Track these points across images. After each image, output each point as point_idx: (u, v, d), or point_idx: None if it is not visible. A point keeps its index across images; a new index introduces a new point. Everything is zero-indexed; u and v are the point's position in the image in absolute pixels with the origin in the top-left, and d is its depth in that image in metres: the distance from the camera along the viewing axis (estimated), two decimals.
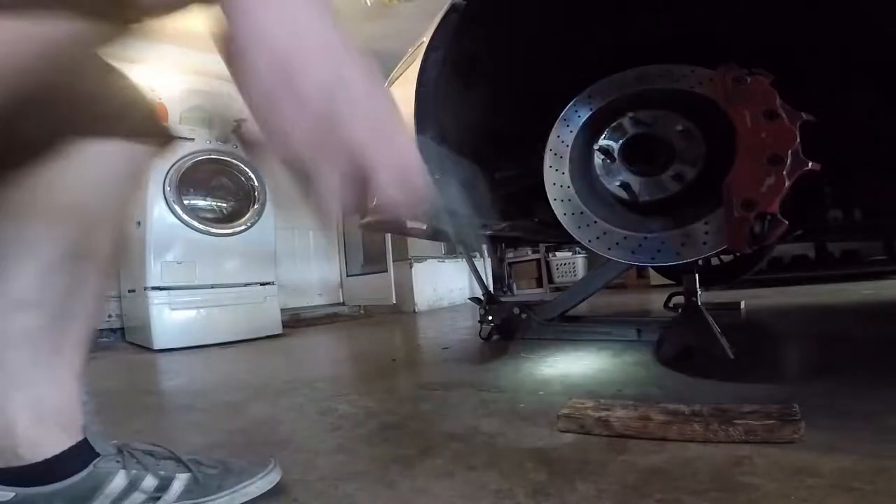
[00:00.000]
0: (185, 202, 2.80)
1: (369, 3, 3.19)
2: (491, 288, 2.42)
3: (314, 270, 4.44)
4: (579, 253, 4.80)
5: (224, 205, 3.05)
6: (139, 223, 2.69)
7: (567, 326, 1.82)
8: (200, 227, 2.81)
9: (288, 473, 0.75)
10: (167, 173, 2.70)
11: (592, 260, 4.43)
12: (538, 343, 1.77)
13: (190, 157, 2.79)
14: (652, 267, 3.34)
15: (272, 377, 1.68)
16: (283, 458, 0.79)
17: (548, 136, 1.27)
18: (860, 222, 1.44)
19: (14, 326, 0.56)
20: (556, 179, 1.25)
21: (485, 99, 1.40)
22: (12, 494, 0.57)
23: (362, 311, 4.33)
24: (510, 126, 1.41)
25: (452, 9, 1.24)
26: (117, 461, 0.63)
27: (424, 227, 1.62)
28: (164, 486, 0.63)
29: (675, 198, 1.13)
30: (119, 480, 0.61)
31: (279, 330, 3.06)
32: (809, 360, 1.34)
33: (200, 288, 2.81)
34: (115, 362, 2.36)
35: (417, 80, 1.24)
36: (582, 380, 1.22)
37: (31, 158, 0.53)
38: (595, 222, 1.21)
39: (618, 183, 1.19)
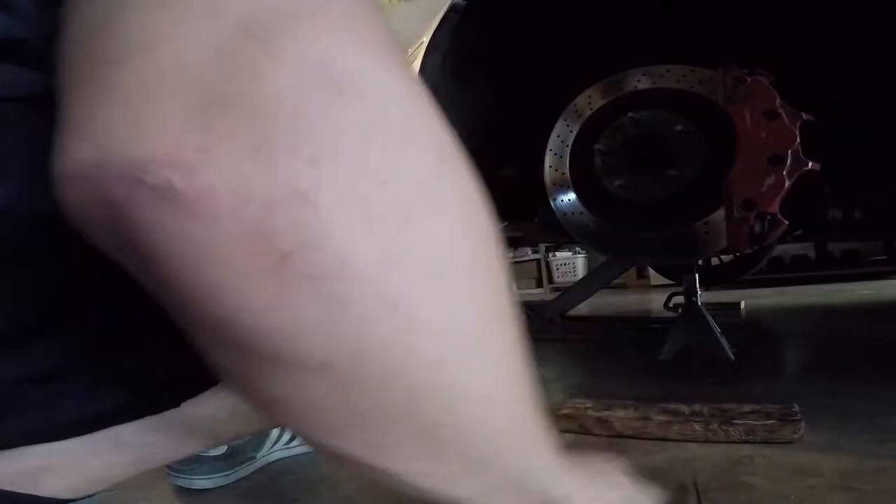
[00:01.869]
0: None
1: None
2: None
3: None
4: (579, 253, 4.79)
5: None
6: None
7: (567, 326, 1.81)
8: None
9: (287, 473, 0.75)
10: None
11: (592, 260, 4.42)
12: (538, 343, 1.77)
13: None
14: (652, 267, 3.34)
15: None
16: (283, 458, 0.80)
17: (548, 136, 1.27)
18: (860, 222, 1.43)
19: None
20: (557, 179, 1.25)
21: (485, 99, 1.40)
22: (225, 447, 0.73)
23: None
24: (510, 126, 1.41)
25: (452, 9, 1.24)
26: None
27: None
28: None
29: (675, 198, 1.13)
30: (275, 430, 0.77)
31: None
32: (809, 360, 1.34)
33: None
34: None
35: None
36: (582, 379, 1.22)
37: None
38: (595, 222, 1.21)
39: (618, 183, 1.19)
